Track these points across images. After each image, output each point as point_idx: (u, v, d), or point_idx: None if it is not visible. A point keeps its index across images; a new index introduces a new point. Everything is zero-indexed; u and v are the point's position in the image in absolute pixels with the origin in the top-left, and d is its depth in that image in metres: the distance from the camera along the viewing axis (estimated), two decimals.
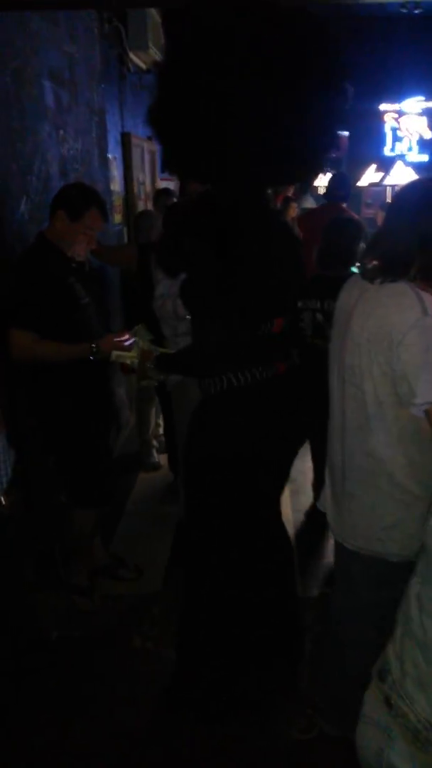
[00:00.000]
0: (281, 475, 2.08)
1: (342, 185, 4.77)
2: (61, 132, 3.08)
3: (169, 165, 1.88)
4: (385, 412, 1.50)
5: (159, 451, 4.02)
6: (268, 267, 1.77)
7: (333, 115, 1.70)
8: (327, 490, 1.80)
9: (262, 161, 1.68)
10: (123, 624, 2.61)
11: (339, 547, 1.80)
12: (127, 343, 2.32)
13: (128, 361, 2.29)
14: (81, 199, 2.36)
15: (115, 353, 2.30)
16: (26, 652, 2.41)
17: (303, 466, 3.84)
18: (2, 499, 1.80)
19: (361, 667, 1.81)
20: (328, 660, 2.01)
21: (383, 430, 1.52)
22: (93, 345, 2.34)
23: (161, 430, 4.06)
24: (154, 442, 4.03)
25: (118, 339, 2.44)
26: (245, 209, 1.78)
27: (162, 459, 3.96)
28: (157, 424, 4.09)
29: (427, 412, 1.41)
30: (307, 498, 3.52)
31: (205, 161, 1.71)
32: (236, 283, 1.73)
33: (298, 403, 1.96)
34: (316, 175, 1.82)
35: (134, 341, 2.29)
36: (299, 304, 2.75)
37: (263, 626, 2.15)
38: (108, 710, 2.19)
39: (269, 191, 1.93)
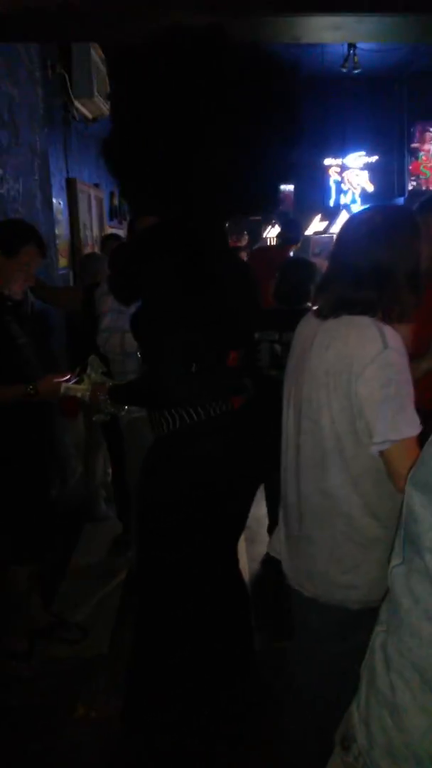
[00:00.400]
0: (239, 519, 1.96)
1: (293, 229, 5.13)
2: (1, 171, 3.00)
3: (127, 197, 1.82)
4: (343, 449, 1.41)
5: (107, 501, 3.83)
6: (226, 297, 1.71)
7: (290, 146, 1.72)
8: (281, 534, 1.68)
9: (224, 192, 1.67)
10: (65, 691, 2.38)
11: (296, 595, 1.67)
12: (72, 382, 2.19)
13: (79, 394, 2.15)
14: (16, 234, 2.27)
15: (64, 386, 2.17)
16: None
17: (258, 512, 3.72)
18: None
19: (322, 727, 1.68)
20: (289, 719, 1.85)
21: (340, 468, 1.42)
22: (30, 386, 2.20)
23: (110, 479, 3.89)
24: (102, 492, 3.85)
25: (59, 380, 2.31)
26: (207, 239, 1.73)
27: (110, 510, 3.77)
28: (106, 472, 3.92)
29: (383, 452, 1.33)
30: (262, 546, 3.37)
31: (170, 193, 1.68)
32: (195, 310, 1.65)
33: (254, 439, 1.86)
34: (272, 209, 1.80)
35: (85, 374, 2.17)
36: (257, 335, 2.76)
37: (218, 685, 1.99)
38: None
39: (225, 226, 1.88)
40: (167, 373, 1.73)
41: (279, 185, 1.75)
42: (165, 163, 1.64)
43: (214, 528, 1.89)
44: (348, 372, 1.34)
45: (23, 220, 2.79)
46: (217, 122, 1.58)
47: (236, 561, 2.09)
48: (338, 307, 1.43)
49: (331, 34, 2.07)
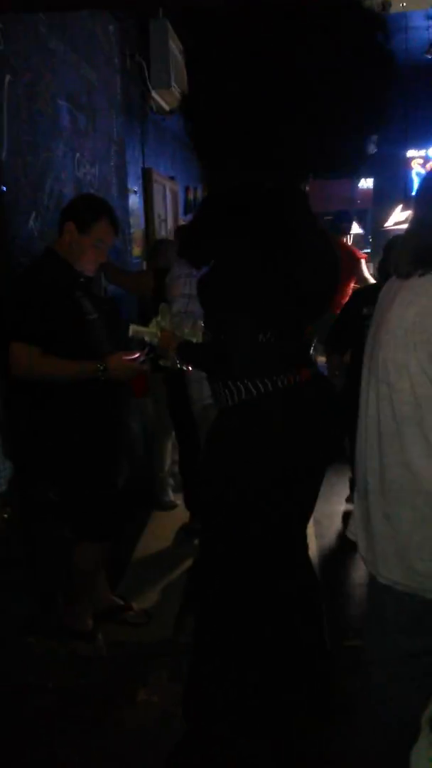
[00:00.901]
0: (309, 499, 1.86)
1: (345, 219, 5.20)
2: (77, 155, 3.02)
3: (205, 159, 1.76)
4: (422, 416, 1.29)
5: (174, 490, 3.80)
6: (305, 264, 1.61)
7: (381, 107, 1.61)
8: (356, 513, 1.56)
9: (306, 149, 1.60)
10: (127, 674, 2.34)
11: (371, 583, 1.55)
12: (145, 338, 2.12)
13: (146, 338, 2.08)
14: (90, 209, 2.25)
15: (133, 328, 2.10)
16: (18, 702, 2.17)
17: (329, 508, 3.61)
18: None
19: (399, 726, 1.55)
20: (361, 719, 1.73)
21: (420, 437, 1.30)
22: (100, 364, 2.18)
23: (177, 468, 3.85)
24: (170, 480, 3.82)
25: (129, 357, 2.28)
26: (288, 200, 1.65)
27: (177, 498, 3.73)
28: (173, 461, 3.89)
29: None
30: (332, 543, 3.26)
31: (251, 150, 1.61)
32: (271, 275, 1.57)
33: (327, 413, 1.75)
34: (356, 166, 1.71)
35: (154, 319, 2.08)
36: (365, 311, 2.73)
37: (286, 683, 1.89)
38: None
39: (306, 188, 1.78)
40: (234, 342, 1.65)
41: (365, 141, 1.64)
42: (248, 119, 1.57)
43: (279, 508, 1.80)
44: (430, 332, 1.23)
45: (97, 195, 2.79)
46: (303, 78, 1.50)
47: (306, 549, 1.98)
48: (418, 261, 1.32)
49: None
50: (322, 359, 3.24)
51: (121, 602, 2.67)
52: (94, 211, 2.24)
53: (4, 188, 2.22)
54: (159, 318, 2.07)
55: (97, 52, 3.36)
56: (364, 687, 1.72)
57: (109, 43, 3.58)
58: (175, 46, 4.62)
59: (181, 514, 3.57)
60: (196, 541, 3.15)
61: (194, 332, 2.01)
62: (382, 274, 2.86)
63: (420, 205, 1.44)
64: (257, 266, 1.59)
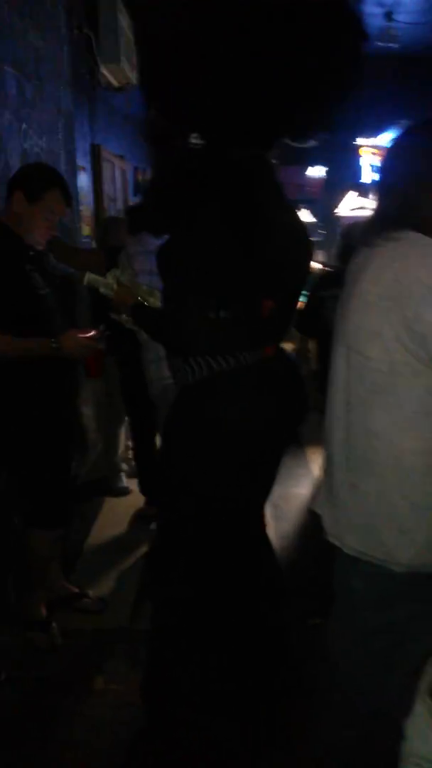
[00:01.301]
0: (269, 478, 1.82)
1: None
2: (24, 125, 2.88)
3: (170, 113, 1.65)
4: (395, 383, 1.25)
5: (128, 476, 3.72)
6: (271, 239, 1.55)
7: (348, 70, 1.54)
8: (322, 486, 1.53)
9: (270, 112, 1.53)
10: (84, 662, 2.27)
11: (338, 560, 1.53)
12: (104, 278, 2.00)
13: (101, 289, 1.96)
14: (41, 178, 2.14)
15: (88, 276, 1.98)
16: None
17: (285, 491, 3.61)
18: None
19: (367, 706, 1.54)
20: (326, 698, 1.71)
21: (392, 405, 1.27)
22: (53, 340, 2.08)
23: (131, 453, 3.77)
24: (124, 466, 3.73)
25: (84, 335, 2.19)
26: (254, 169, 1.58)
27: (131, 484, 3.65)
28: (127, 446, 3.80)
29: None
30: (289, 525, 3.25)
31: (223, 110, 1.53)
32: (232, 249, 1.50)
33: (292, 390, 1.71)
34: (324, 131, 1.64)
35: (112, 269, 1.98)
36: (321, 293, 2.72)
37: (251, 664, 1.86)
38: (64, 761, 1.85)
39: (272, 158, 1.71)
40: (188, 317, 1.58)
41: (333, 105, 1.59)
42: (207, 80, 1.49)
43: (242, 488, 1.75)
44: (408, 295, 1.19)
45: (47, 164, 2.67)
46: (264, 38, 1.43)
47: (264, 528, 1.95)
48: (384, 226, 1.29)
49: None
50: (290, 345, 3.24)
51: (76, 590, 2.58)
52: (45, 180, 2.13)
53: None
54: (119, 271, 1.97)
55: (45, 20, 3.21)
56: (328, 666, 1.71)
57: (56, 11, 3.42)
58: (124, 20, 4.48)
59: (134, 500, 3.50)
60: (152, 526, 3.09)
61: (151, 293, 1.92)
62: (343, 259, 2.84)
63: (383, 171, 1.43)
64: (218, 238, 1.53)
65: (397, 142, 1.40)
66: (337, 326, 1.42)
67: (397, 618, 1.46)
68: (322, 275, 3.37)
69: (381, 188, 1.42)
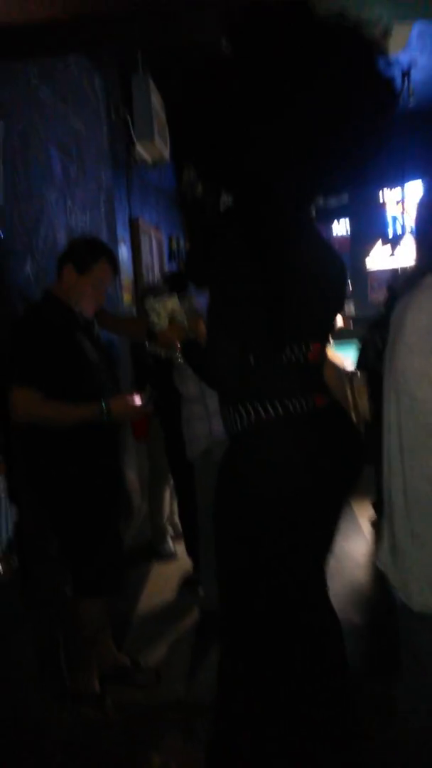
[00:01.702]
0: (326, 537, 1.77)
1: None
2: (69, 202, 3.01)
3: (207, 171, 1.71)
4: None
5: (174, 539, 3.67)
6: (311, 280, 1.57)
7: (385, 125, 1.57)
8: (384, 538, 1.49)
9: (301, 171, 1.56)
10: (140, 738, 2.18)
11: (406, 616, 1.47)
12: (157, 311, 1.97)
13: (153, 317, 1.91)
14: (89, 250, 2.22)
15: (149, 300, 1.94)
16: None
17: (347, 545, 3.51)
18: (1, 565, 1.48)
19: None
20: None
21: None
22: (103, 404, 2.11)
23: (176, 516, 3.73)
24: (169, 529, 3.69)
25: (132, 401, 2.22)
26: (285, 222, 1.60)
27: (177, 548, 3.60)
28: (172, 509, 3.77)
29: None
30: (341, 584, 3.14)
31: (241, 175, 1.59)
32: (272, 290, 1.51)
33: (346, 443, 1.68)
34: (357, 188, 1.68)
35: (169, 302, 1.92)
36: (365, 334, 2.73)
37: (312, 735, 1.77)
38: None
39: (310, 210, 1.75)
40: (216, 361, 1.58)
41: (365, 164, 1.62)
42: (236, 142, 1.53)
43: (295, 545, 1.70)
44: None
45: (96, 237, 2.77)
46: (304, 99, 1.47)
47: (326, 590, 1.88)
48: (422, 273, 1.33)
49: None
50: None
51: (129, 662, 2.51)
52: (93, 252, 2.21)
53: (2, 234, 2.19)
54: (176, 305, 1.92)
55: (84, 103, 3.41)
56: (395, 734, 1.62)
57: (95, 95, 3.64)
58: (156, 100, 4.72)
59: (182, 564, 3.44)
60: (201, 591, 3.02)
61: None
62: (389, 307, 2.87)
63: (418, 224, 1.47)
64: (239, 284, 1.54)
65: (427, 194, 1.45)
66: (386, 373, 1.43)
67: None
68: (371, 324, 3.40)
69: (417, 238, 1.49)
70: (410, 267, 1.61)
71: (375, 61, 1.52)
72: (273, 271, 1.52)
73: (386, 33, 1.53)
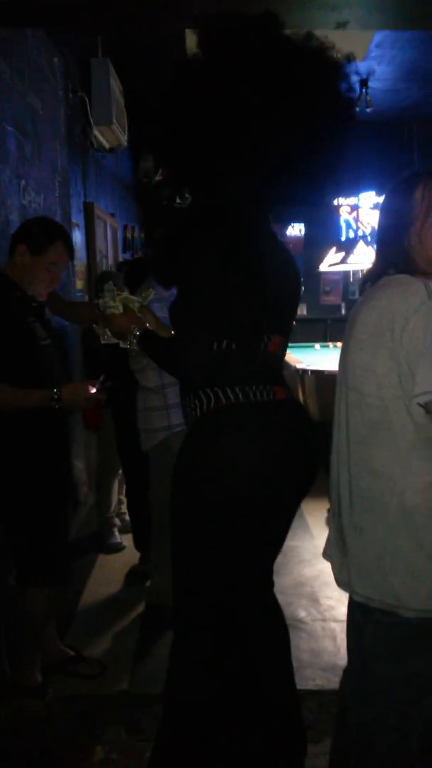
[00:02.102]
0: (280, 537, 1.78)
1: None
2: (23, 182, 2.93)
3: (177, 177, 1.71)
4: (390, 419, 1.29)
5: (121, 531, 3.63)
6: (262, 277, 1.57)
7: (344, 146, 1.62)
8: (330, 532, 1.51)
9: (267, 180, 1.60)
10: (82, 730, 2.15)
11: (349, 605, 1.49)
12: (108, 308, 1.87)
13: (108, 310, 1.84)
14: (44, 231, 2.16)
15: (101, 301, 1.86)
16: None
17: (299, 543, 3.55)
18: None
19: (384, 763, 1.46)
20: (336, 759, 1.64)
21: (388, 440, 1.30)
22: (55, 390, 2.05)
23: (124, 507, 3.70)
24: (116, 521, 3.65)
25: (84, 388, 2.17)
26: (250, 220, 1.62)
27: (125, 539, 3.56)
28: (120, 500, 3.73)
29: (427, 404, 1.22)
30: (289, 578, 3.18)
31: (226, 171, 1.59)
32: (225, 284, 1.52)
33: (303, 437, 1.68)
34: (316, 203, 1.71)
35: (123, 294, 1.86)
36: None
37: (260, 726, 1.77)
38: None
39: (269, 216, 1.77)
40: (185, 348, 1.57)
41: (328, 180, 1.65)
42: (209, 147, 1.55)
43: (258, 543, 1.71)
44: (391, 328, 1.26)
45: (51, 218, 2.70)
46: (268, 113, 1.51)
47: (272, 585, 1.88)
48: (379, 272, 1.40)
49: (378, 17, 1.99)
50: None
51: (72, 653, 2.47)
52: (48, 233, 2.15)
53: None
54: (135, 297, 1.87)
55: (43, 82, 3.32)
56: (335, 728, 1.64)
57: (53, 75, 3.54)
58: (115, 85, 4.65)
59: (128, 556, 3.41)
60: (147, 583, 3.00)
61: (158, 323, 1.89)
62: None
63: (378, 229, 1.52)
64: (206, 275, 1.55)
65: (387, 199, 1.49)
66: (339, 368, 1.46)
67: (412, 670, 1.41)
68: None
69: (377, 241, 1.52)
70: (369, 269, 1.63)
71: (337, 81, 1.56)
72: (249, 264, 1.54)
73: (349, 58, 1.55)
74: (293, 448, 1.63)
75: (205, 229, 1.59)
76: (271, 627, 1.84)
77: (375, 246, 1.59)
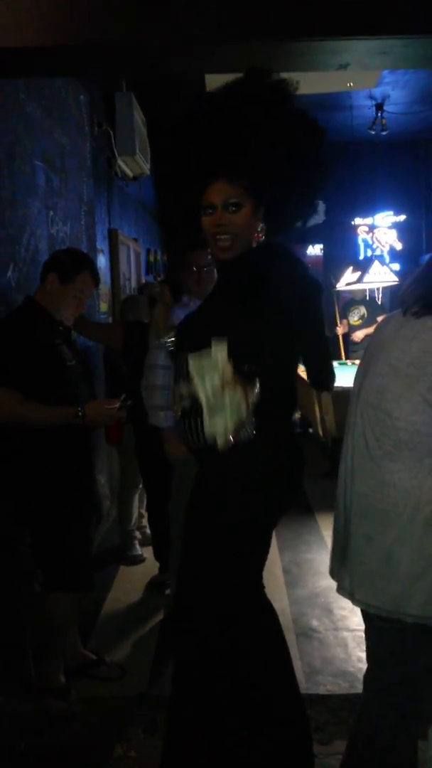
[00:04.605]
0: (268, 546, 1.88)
1: None
2: (51, 213, 3.13)
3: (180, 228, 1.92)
4: (419, 440, 1.39)
5: (142, 544, 3.76)
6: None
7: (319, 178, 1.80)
8: (334, 541, 1.62)
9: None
10: (102, 730, 2.27)
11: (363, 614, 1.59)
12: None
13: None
14: (73, 262, 2.33)
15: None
16: None
17: (297, 557, 3.66)
18: None
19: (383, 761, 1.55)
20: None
21: (414, 458, 1.40)
22: (79, 408, 2.21)
23: (144, 521, 3.83)
24: (137, 534, 3.78)
25: (108, 405, 2.33)
26: (280, 260, 1.75)
27: (145, 552, 3.69)
28: (141, 514, 3.86)
29: None
30: (304, 590, 3.28)
31: None
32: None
33: (300, 451, 1.82)
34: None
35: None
36: None
37: (267, 728, 1.87)
38: None
39: None
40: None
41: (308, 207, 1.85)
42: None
43: (261, 555, 1.83)
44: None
45: (80, 249, 2.88)
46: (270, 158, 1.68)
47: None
48: (425, 303, 1.45)
49: (379, 59, 2.14)
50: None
51: (94, 656, 2.60)
52: (77, 263, 2.33)
53: None
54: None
55: (69, 119, 3.54)
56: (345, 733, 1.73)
57: (79, 111, 3.76)
58: (138, 117, 4.88)
59: (149, 568, 3.53)
60: (166, 592, 3.12)
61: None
62: None
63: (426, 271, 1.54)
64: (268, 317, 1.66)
65: None
66: (356, 384, 1.56)
67: (412, 673, 1.51)
68: None
69: (427, 266, 1.54)
70: (404, 299, 1.69)
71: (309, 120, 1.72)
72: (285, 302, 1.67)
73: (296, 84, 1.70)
74: (299, 468, 1.79)
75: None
76: (268, 625, 1.93)
77: (416, 284, 1.56)
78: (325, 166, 1.77)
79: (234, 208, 1.69)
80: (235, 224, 1.70)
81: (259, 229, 1.76)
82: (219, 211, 1.70)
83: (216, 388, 1.40)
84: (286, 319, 1.66)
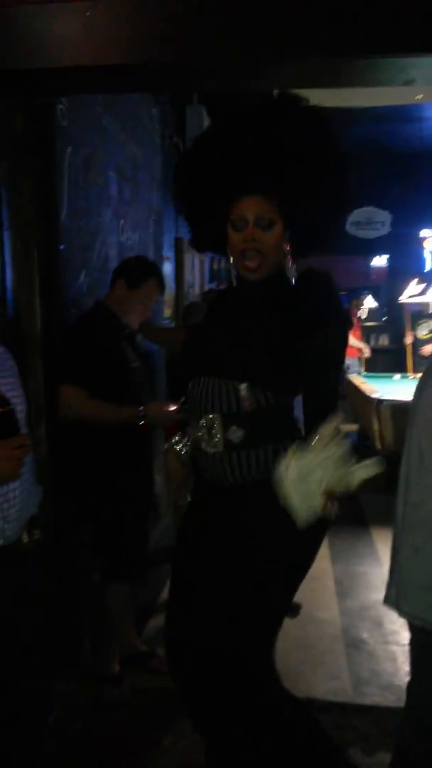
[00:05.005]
0: None
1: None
2: (122, 221, 3.26)
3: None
4: None
5: None
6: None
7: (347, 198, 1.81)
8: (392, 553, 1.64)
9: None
10: (152, 720, 2.35)
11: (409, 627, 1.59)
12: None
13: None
14: (140, 269, 2.45)
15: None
16: (42, 744, 2.18)
17: (349, 569, 3.66)
18: (25, 535, 1.67)
19: None
20: None
21: None
22: (140, 408, 2.32)
23: None
24: None
25: (167, 408, 2.42)
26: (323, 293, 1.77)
27: None
28: None
29: None
30: (355, 602, 3.28)
31: None
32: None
33: None
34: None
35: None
36: None
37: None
38: None
39: None
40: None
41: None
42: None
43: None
44: None
45: (147, 257, 3.01)
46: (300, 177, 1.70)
47: None
48: None
49: None
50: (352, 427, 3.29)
51: (147, 649, 2.69)
52: (144, 271, 2.44)
53: (63, 247, 2.43)
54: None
55: (142, 131, 3.68)
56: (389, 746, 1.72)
57: (152, 124, 3.91)
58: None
59: None
60: None
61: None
62: None
63: None
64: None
65: None
66: (414, 397, 1.58)
67: None
68: None
69: None
70: None
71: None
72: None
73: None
74: None
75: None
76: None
77: None
78: (350, 198, 1.79)
79: (266, 225, 1.68)
80: (265, 243, 1.69)
81: (287, 251, 1.75)
82: (250, 226, 1.68)
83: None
84: (326, 357, 1.71)
